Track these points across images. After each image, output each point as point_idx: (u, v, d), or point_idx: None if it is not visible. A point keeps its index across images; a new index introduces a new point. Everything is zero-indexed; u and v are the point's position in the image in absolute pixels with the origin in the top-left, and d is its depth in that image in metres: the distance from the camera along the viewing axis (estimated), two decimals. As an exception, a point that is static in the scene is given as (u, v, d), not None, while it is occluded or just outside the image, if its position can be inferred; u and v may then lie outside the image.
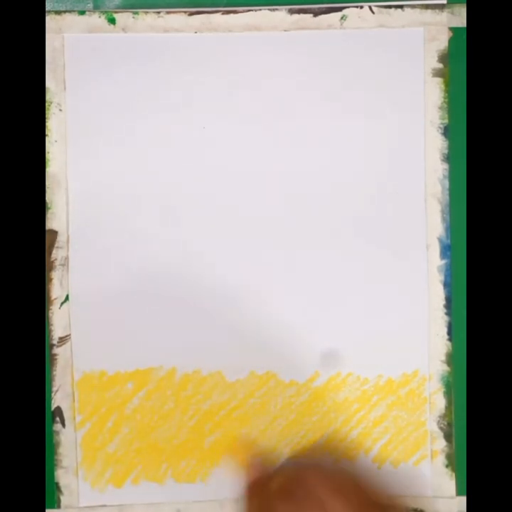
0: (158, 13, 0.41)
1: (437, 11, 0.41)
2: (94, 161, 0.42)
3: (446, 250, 0.42)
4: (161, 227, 0.42)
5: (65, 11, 0.41)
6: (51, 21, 0.41)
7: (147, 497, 0.42)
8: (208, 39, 0.41)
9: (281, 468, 0.40)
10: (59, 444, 0.42)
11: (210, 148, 0.42)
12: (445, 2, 0.41)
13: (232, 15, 0.41)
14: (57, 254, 0.42)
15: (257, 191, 0.42)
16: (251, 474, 0.40)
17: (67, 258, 0.42)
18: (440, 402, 0.42)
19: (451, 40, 0.41)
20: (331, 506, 0.34)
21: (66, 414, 0.42)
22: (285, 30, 0.41)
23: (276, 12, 0.41)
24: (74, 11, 0.41)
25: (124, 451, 0.42)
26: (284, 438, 0.42)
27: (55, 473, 0.42)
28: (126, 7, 0.41)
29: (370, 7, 0.41)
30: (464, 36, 0.41)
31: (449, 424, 0.42)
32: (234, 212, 0.42)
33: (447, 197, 0.42)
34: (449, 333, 0.42)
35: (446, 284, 0.42)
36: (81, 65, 0.41)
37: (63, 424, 0.42)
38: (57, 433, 0.42)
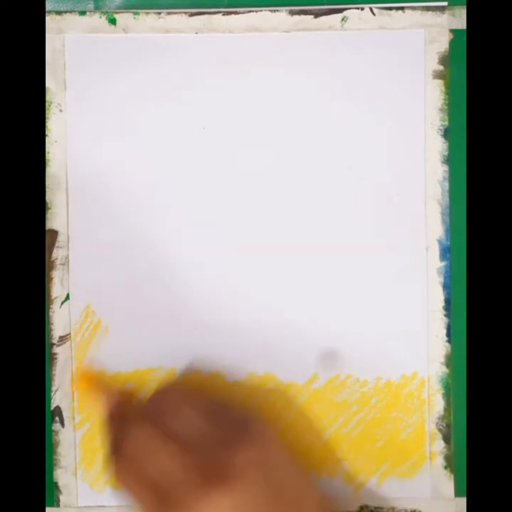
0: (159, 13, 0.41)
1: (438, 12, 0.41)
2: (94, 161, 0.42)
3: (445, 252, 0.42)
4: (162, 227, 0.42)
5: (65, 11, 0.41)
6: (52, 21, 0.41)
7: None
8: (208, 40, 0.41)
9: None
10: (58, 443, 0.42)
11: (210, 149, 0.42)
12: (446, 4, 0.41)
13: (233, 16, 0.41)
14: (57, 254, 0.42)
15: (257, 192, 0.42)
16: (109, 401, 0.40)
17: (67, 258, 0.42)
18: (439, 404, 0.42)
19: (451, 42, 0.41)
20: (185, 412, 0.36)
21: (65, 414, 0.42)
22: (286, 32, 0.41)
23: (277, 13, 0.41)
24: (74, 11, 0.41)
25: (123, 451, 0.42)
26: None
27: (54, 473, 0.42)
28: (127, 7, 0.41)
29: (370, 9, 0.41)
30: (465, 38, 0.41)
31: (448, 426, 0.42)
32: (234, 213, 0.42)
33: (447, 199, 0.42)
34: (448, 334, 0.42)
35: (446, 286, 0.42)
36: (81, 65, 0.41)
37: (62, 424, 0.42)
38: (57, 433, 0.42)
